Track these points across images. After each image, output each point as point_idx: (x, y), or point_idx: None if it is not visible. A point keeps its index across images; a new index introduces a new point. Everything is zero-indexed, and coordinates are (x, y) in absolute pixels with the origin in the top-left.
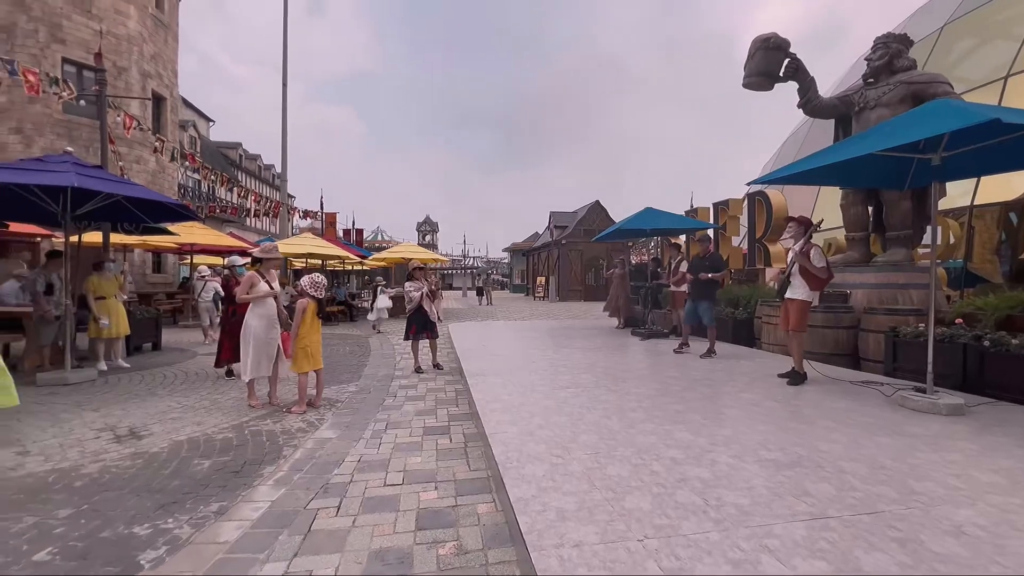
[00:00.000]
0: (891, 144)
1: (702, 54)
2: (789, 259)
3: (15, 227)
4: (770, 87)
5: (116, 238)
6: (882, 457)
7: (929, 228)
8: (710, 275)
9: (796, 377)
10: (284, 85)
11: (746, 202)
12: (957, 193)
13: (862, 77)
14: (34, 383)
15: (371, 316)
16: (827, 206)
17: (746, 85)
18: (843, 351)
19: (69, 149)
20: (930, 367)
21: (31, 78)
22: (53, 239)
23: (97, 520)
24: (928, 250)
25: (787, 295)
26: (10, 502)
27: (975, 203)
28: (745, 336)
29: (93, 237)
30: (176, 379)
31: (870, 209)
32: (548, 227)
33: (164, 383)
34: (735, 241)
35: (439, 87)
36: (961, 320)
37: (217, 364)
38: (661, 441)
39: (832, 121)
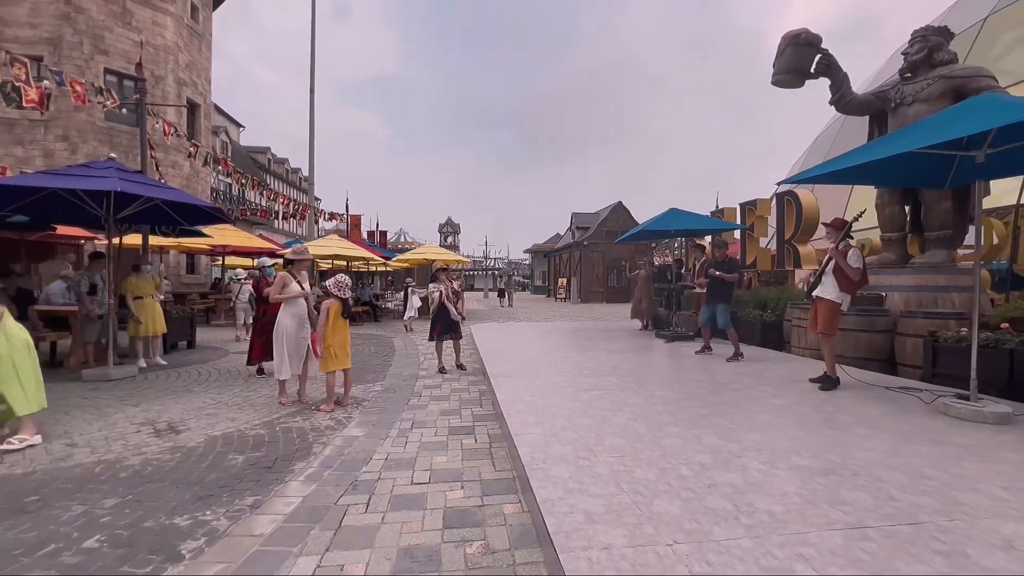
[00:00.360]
0: (934, 141)
1: (730, 51)
2: (826, 257)
3: (62, 230)
4: (801, 84)
5: (153, 240)
6: (923, 466)
7: (972, 228)
8: (717, 272)
9: (828, 382)
10: (312, 96)
11: (774, 202)
12: (1001, 191)
13: (899, 72)
14: (80, 379)
15: (407, 315)
16: (860, 206)
17: (776, 82)
18: (878, 356)
19: (112, 155)
20: (973, 373)
21: (78, 88)
22: (96, 241)
23: (140, 510)
24: (970, 251)
25: (816, 293)
26: (61, 491)
27: (1021, 202)
28: (774, 339)
29: (132, 239)
30: (210, 376)
31: (907, 208)
32: (570, 228)
33: (199, 380)
34: (763, 242)
35: (462, 88)
36: (1007, 324)
37: (249, 362)
38: (689, 445)
39: (866, 118)
